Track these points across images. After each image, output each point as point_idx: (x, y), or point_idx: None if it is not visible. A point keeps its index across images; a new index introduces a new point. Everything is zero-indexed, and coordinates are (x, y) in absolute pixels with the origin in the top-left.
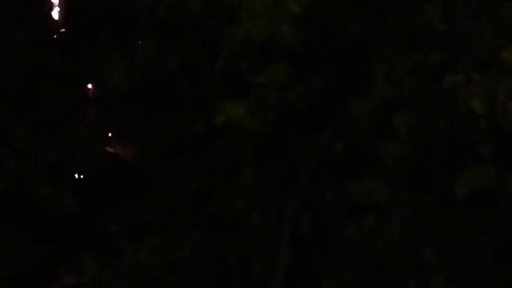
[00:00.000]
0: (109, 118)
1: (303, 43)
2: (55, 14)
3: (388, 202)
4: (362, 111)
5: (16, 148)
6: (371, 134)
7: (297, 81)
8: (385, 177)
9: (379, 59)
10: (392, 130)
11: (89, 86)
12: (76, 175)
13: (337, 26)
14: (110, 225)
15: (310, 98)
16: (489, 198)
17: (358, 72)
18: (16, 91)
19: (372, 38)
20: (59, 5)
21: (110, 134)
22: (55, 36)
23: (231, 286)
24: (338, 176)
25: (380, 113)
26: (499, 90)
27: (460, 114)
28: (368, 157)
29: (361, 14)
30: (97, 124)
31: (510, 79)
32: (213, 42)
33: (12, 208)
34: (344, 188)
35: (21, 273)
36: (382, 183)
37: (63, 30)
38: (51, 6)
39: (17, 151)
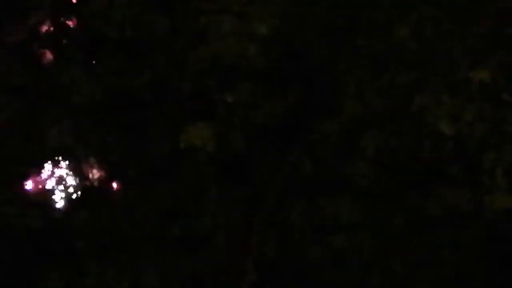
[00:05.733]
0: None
1: (270, 63)
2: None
3: (356, 221)
4: (331, 131)
5: None
6: (339, 153)
7: (265, 101)
8: (353, 196)
9: (348, 79)
10: (360, 149)
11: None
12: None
13: (305, 46)
14: (75, 243)
15: (278, 117)
16: (456, 217)
17: (327, 91)
18: None
19: (341, 57)
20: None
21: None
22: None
23: None
24: (306, 195)
25: (349, 132)
26: (466, 112)
27: (428, 135)
28: (336, 177)
29: (330, 34)
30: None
31: (477, 100)
32: (180, 61)
33: None
34: (311, 207)
35: None
36: (350, 202)
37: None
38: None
39: None
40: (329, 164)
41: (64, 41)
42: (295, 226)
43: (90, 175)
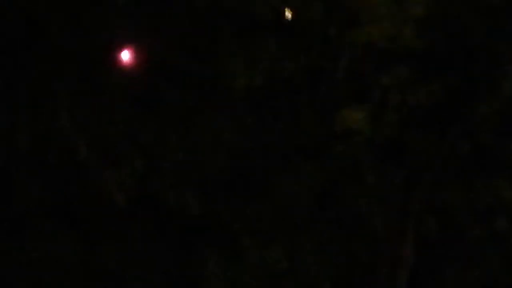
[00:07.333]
0: (231, 120)
1: (426, 45)
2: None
3: None
4: (489, 112)
5: (143, 150)
6: (498, 134)
7: (421, 83)
8: None
9: (506, 60)
10: None
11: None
12: (201, 177)
13: (461, 27)
14: (234, 224)
15: (434, 99)
16: None
17: (485, 72)
18: (141, 94)
19: (498, 38)
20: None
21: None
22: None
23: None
24: (464, 177)
25: (508, 113)
26: None
27: None
28: (495, 158)
29: (487, 14)
30: (220, 125)
31: None
32: (335, 46)
33: (137, 209)
34: (470, 189)
35: (150, 273)
36: (510, 183)
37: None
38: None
39: (143, 153)
40: (488, 145)
41: (223, 26)
42: (455, 208)
43: (246, 159)
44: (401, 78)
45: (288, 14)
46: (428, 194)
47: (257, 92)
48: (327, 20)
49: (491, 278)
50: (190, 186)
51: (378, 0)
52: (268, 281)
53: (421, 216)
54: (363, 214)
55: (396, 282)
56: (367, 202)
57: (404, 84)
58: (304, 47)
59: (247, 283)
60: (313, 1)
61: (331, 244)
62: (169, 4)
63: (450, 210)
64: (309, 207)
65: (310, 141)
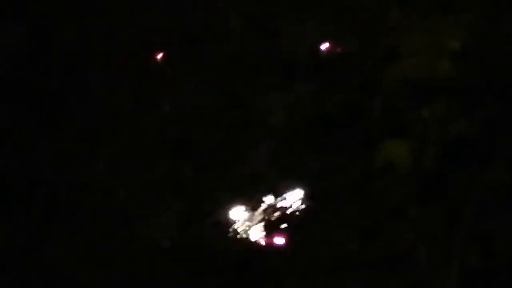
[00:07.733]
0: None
1: (464, 77)
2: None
3: None
4: None
5: (183, 191)
6: None
7: (460, 115)
8: None
9: None
10: None
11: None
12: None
13: (498, 58)
14: (276, 263)
15: (474, 131)
16: None
17: None
18: (178, 136)
19: None
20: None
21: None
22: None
23: None
24: (508, 207)
25: None
26: None
27: None
28: None
29: None
30: (259, 166)
31: None
32: (371, 81)
33: (177, 251)
34: None
35: None
36: None
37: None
38: None
39: (183, 194)
40: None
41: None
42: (501, 238)
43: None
44: (440, 110)
45: (324, 50)
46: (472, 225)
47: (294, 129)
48: (363, 55)
49: None
50: (230, 226)
51: (416, 34)
52: None
53: (465, 248)
54: (406, 248)
55: None
56: (410, 237)
57: (444, 117)
58: (342, 83)
59: None
60: (349, 37)
61: (375, 281)
62: (201, 46)
63: (495, 240)
64: (351, 243)
65: (350, 177)
